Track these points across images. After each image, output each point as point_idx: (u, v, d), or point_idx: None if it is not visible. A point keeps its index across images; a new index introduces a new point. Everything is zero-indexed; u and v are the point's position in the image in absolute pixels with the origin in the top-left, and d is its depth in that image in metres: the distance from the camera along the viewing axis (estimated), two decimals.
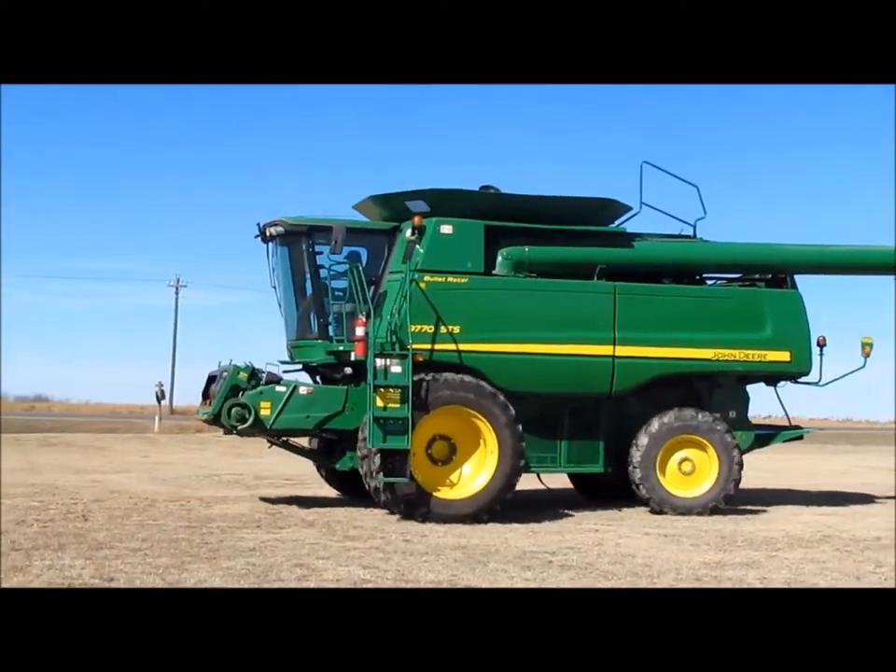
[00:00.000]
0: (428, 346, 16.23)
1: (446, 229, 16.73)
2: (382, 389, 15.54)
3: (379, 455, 15.40)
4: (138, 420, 53.29)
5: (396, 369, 15.65)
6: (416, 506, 15.66)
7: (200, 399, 18.12)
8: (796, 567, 12.38)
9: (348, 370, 16.99)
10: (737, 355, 17.93)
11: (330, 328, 17.09)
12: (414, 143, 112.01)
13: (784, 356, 18.23)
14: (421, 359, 16.00)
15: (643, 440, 17.33)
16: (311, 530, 14.60)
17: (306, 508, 17.00)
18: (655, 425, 17.38)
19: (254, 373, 16.88)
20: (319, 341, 17.29)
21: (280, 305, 18.31)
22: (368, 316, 16.12)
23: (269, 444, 18.77)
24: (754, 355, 18.02)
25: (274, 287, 18.21)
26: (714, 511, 17.36)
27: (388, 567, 11.45)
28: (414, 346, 15.91)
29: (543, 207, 17.52)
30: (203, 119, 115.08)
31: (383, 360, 15.66)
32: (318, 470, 19.32)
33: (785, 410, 19.67)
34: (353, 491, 18.13)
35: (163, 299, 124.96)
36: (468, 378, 16.22)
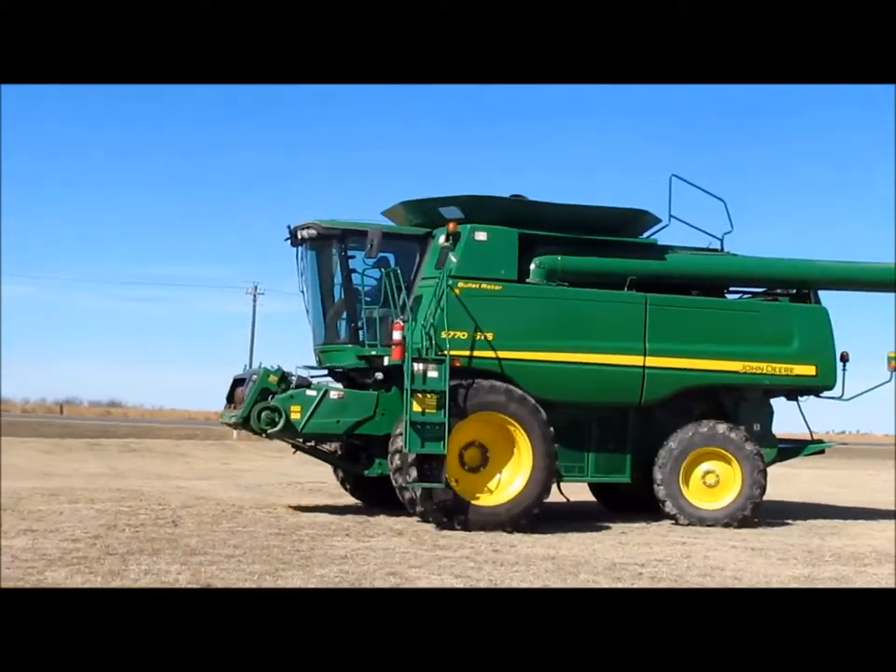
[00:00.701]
0: (461, 352, 16.19)
1: (481, 235, 16.74)
2: (419, 394, 15.47)
3: (416, 461, 15.33)
4: (215, 427, 53.63)
5: (433, 374, 15.60)
6: (454, 513, 15.59)
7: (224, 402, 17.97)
8: (885, 582, 12.23)
9: (379, 375, 16.95)
10: (765, 368, 18.00)
11: (361, 332, 17.05)
12: (432, 150, 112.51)
13: (810, 370, 18.30)
14: (458, 364, 16.00)
15: (668, 451, 17.32)
16: (400, 539, 14.62)
17: (394, 517, 16.95)
18: (679, 437, 17.38)
19: (284, 377, 16.77)
20: (350, 345, 17.29)
21: (308, 310, 18.30)
22: (405, 321, 16.12)
23: (294, 450, 18.54)
24: (781, 368, 18.11)
25: (303, 292, 18.23)
26: (742, 523, 17.29)
27: (480, 577, 11.42)
28: (445, 352, 15.88)
29: (576, 216, 17.53)
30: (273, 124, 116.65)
31: (420, 365, 15.59)
32: (339, 478, 19.14)
33: (808, 424, 19.69)
34: (376, 499, 18.15)
35: (241, 306, 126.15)
36: (499, 384, 16.21)
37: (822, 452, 20.07)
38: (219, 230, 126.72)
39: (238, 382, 17.55)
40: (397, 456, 15.75)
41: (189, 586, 10.26)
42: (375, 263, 17.16)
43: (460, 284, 16.40)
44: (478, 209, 16.96)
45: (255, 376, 16.70)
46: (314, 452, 18.32)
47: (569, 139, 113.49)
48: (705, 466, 17.54)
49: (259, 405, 16.29)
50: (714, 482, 17.54)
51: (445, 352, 15.86)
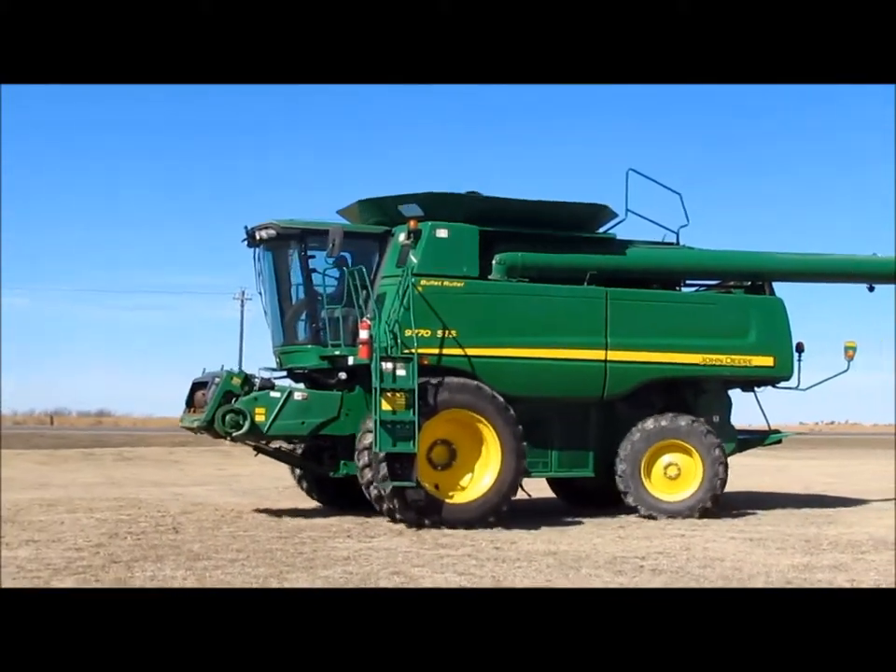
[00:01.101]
0: (425, 350, 16.15)
1: (442, 233, 16.72)
2: (388, 393, 15.39)
3: (386, 459, 15.27)
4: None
5: (401, 372, 15.55)
6: (426, 512, 15.61)
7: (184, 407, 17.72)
8: (884, 568, 12.34)
9: (343, 375, 16.80)
10: (724, 360, 18.16)
11: (323, 332, 16.94)
12: (431, 150, 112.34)
13: (768, 361, 18.50)
14: (426, 363, 16.00)
15: (629, 444, 17.44)
16: (402, 539, 14.68)
17: (364, 517, 16.91)
18: (641, 430, 17.49)
19: (247, 379, 16.57)
20: (312, 346, 17.19)
21: (266, 311, 18.15)
22: (371, 319, 16.06)
23: (255, 453, 18.34)
24: (740, 360, 18.27)
25: (261, 293, 18.11)
26: (703, 514, 17.40)
27: (483, 574, 11.51)
28: (412, 350, 15.86)
29: (535, 212, 17.55)
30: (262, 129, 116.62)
31: (389, 364, 15.52)
32: (298, 480, 18.86)
33: (765, 415, 19.83)
34: (336, 500, 18.11)
35: (230, 311, 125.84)
36: (468, 381, 16.24)
37: (779, 442, 20.20)
38: (207, 236, 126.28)
39: (197, 385, 17.35)
40: (365, 456, 15.68)
41: (195, 586, 10.34)
42: (334, 262, 17.07)
43: (423, 281, 16.39)
44: (438, 206, 16.93)
45: (217, 379, 16.49)
46: (275, 454, 18.22)
47: (569, 139, 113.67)
48: (666, 458, 17.67)
49: (224, 408, 16.08)
50: (675, 474, 17.66)
51: (412, 350, 15.83)
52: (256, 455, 18.84)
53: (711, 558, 12.96)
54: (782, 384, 19.15)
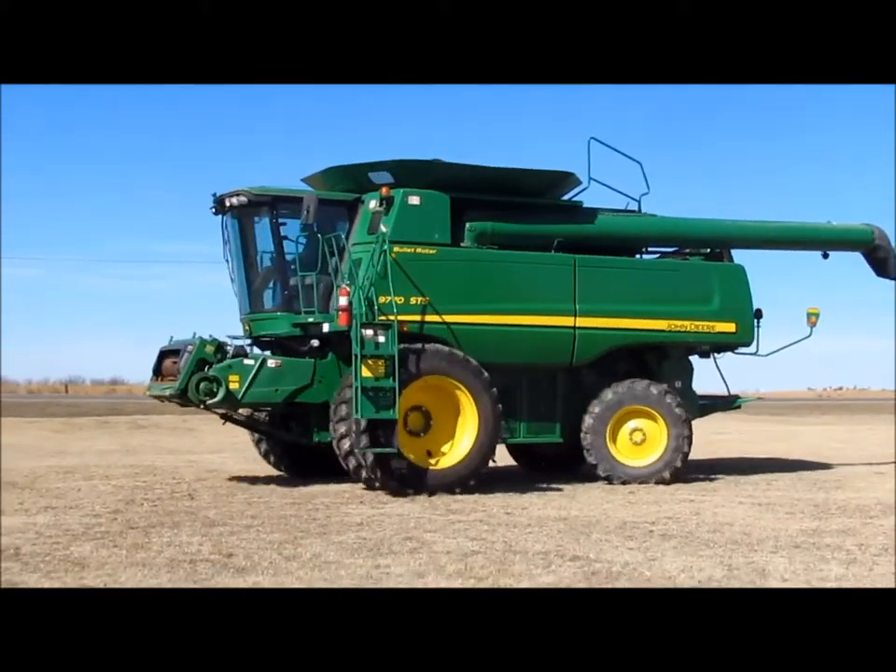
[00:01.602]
0: (401, 317, 16.05)
1: (414, 200, 16.70)
2: (369, 360, 15.35)
3: (367, 427, 15.25)
4: None
5: (381, 339, 15.49)
6: (408, 480, 15.64)
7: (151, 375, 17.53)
8: (892, 533, 12.42)
9: (315, 342, 16.76)
10: (688, 326, 18.38)
11: (295, 300, 16.83)
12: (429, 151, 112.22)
13: (730, 327, 18.76)
14: (405, 329, 16.01)
15: (595, 410, 17.60)
16: (413, 505, 14.78)
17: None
18: (607, 395, 17.66)
19: (220, 347, 16.44)
20: (282, 313, 17.08)
21: (233, 279, 17.96)
22: (349, 286, 15.97)
23: (223, 421, 18.31)
24: (703, 326, 18.51)
25: (227, 260, 17.86)
26: (672, 479, 17.63)
27: (495, 539, 11.61)
28: (390, 317, 15.83)
29: (504, 179, 17.60)
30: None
31: (369, 330, 15.44)
32: (261, 451, 18.75)
33: (725, 380, 20.04)
34: (303, 470, 18.04)
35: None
36: (442, 347, 16.28)
37: (739, 407, 20.52)
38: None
39: (165, 353, 17.20)
40: (342, 424, 15.68)
41: (213, 556, 10.45)
42: (305, 230, 16.90)
43: (396, 248, 16.31)
44: (408, 174, 16.86)
45: (190, 347, 16.34)
46: (244, 423, 18.22)
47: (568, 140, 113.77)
48: (632, 424, 17.88)
49: (197, 376, 15.95)
50: (641, 439, 17.87)
51: (392, 317, 15.80)
52: (224, 424, 18.78)
53: (720, 523, 13.04)
54: (743, 349, 19.37)
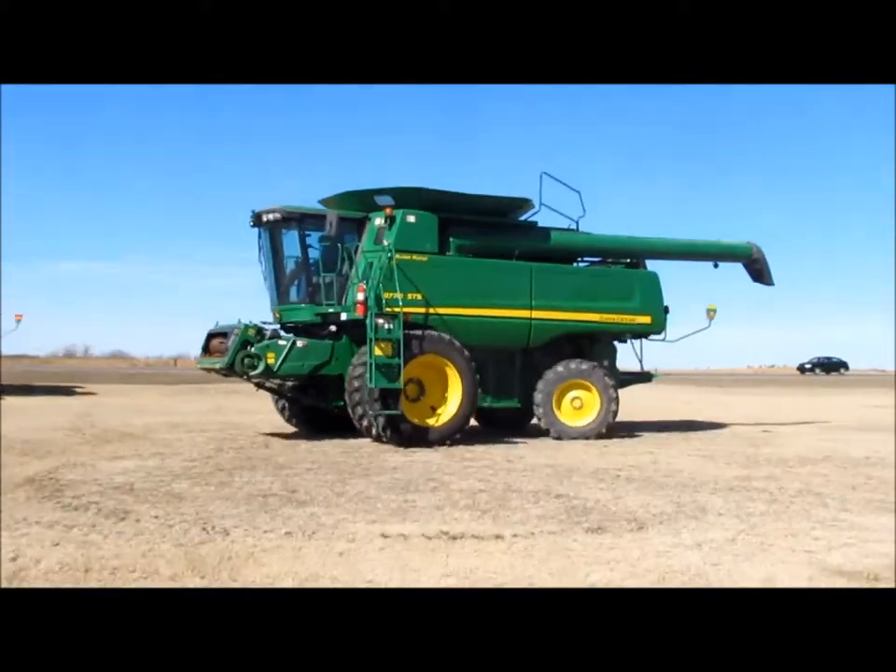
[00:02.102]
0: (400, 309, 16.06)
1: (411, 218, 16.82)
2: (381, 342, 15.60)
3: (380, 394, 15.49)
4: None
5: (390, 325, 15.74)
6: (410, 436, 15.79)
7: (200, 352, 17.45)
8: (806, 478, 12.40)
9: (333, 328, 16.89)
10: (615, 318, 18.68)
11: (318, 294, 16.87)
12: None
13: (647, 319, 19.05)
14: (409, 319, 16.15)
15: (544, 383, 17.80)
16: (436, 454, 14.78)
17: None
18: (553, 373, 17.86)
19: (259, 330, 16.54)
20: (306, 305, 17.12)
21: (265, 278, 17.88)
22: (366, 284, 16.12)
23: (256, 388, 18.24)
24: (627, 318, 18.82)
25: (261, 262, 17.80)
26: (600, 436, 17.79)
27: (498, 481, 11.63)
28: (395, 309, 15.95)
29: (478, 203, 17.70)
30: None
31: (381, 319, 15.71)
32: (281, 412, 18.70)
33: (640, 360, 20.10)
34: (315, 427, 18.03)
35: None
36: (437, 333, 16.46)
37: (650, 380, 20.52)
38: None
39: (212, 335, 17.22)
40: (356, 394, 15.85)
41: (281, 492, 10.47)
42: (325, 239, 16.94)
43: (396, 256, 16.37)
44: (405, 197, 16.98)
45: (236, 330, 16.38)
46: (274, 390, 18.15)
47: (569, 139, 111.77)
48: (572, 393, 18.05)
49: (242, 353, 16.10)
50: (579, 405, 18.04)
51: (399, 309, 15.95)
52: (257, 391, 18.75)
53: (673, 470, 13.02)
54: (655, 336, 19.57)
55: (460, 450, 15.40)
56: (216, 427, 19.80)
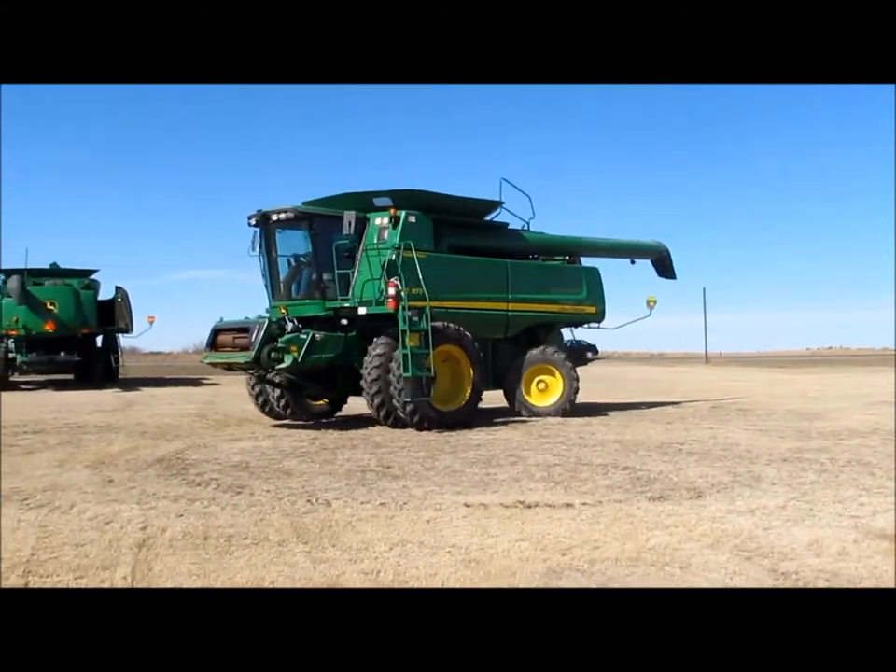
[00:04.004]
0: (429, 303, 15.54)
1: (412, 218, 16.33)
2: (412, 334, 15.05)
3: (412, 382, 14.86)
4: None
5: (418, 318, 15.19)
6: (434, 419, 15.22)
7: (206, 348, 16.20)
8: (855, 449, 12.12)
9: (344, 321, 16.26)
10: (569, 308, 18.72)
11: (328, 289, 16.13)
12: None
13: (592, 309, 19.14)
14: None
15: (515, 367, 17.69)
16: (516, 432, 14.74)
17: (510, 417, 17.09)
18: (523, 357, 17.76)
19: (281, 326, 15.91)
20: (316, 300, 16.22)
21: (266, 275, 16.76)
22: (398, 279, 15.50)
23: (254, 379, 17.00)
24: (577, 309, 18.86)
25: (261, 260, 16.71)
26: (563, 413, 17.49)
27: (570, 455, 11.57)
28: (421, 303, 15.39)
29: (464, 205, 17.40)
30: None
31: (411, 312, 15.11)
32: (293, 403, 17.26)
33: (584, 343, 19.78)
34: (314, 417, 17.47)
35: None
36: (451, 325, 15.95)
37: (597, 352, 19.85)
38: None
39: (218, 331, 16.02)
40: (376, 383, 15.15)
41: (378, 468, 10.58)
42: (331, 237, 16.02)
43: (407, 253, 15.88)
44: (403, 199, 16.46)
45: (260, 325, 15.38)
46: (276, 383, 16.88)
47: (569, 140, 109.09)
48: (538, 377, 17.90)
49: (268, 347, 15.15)
50: (544, 387, 17.89)
51: (424, 303, 15.44)
52: (252, 382, 17.44)
53: (730, 443, 12.82)
54: (599, 324, 19.52)
55: (538, 427, 15.35)
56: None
